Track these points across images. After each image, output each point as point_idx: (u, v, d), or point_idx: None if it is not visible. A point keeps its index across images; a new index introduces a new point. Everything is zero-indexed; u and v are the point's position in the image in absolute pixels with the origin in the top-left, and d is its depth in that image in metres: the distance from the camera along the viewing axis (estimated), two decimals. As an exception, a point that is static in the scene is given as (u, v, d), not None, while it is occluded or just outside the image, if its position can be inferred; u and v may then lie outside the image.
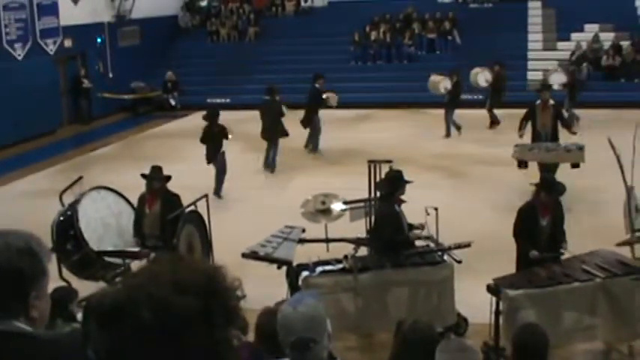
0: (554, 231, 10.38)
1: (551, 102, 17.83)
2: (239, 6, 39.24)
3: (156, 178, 12.35)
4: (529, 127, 17.95)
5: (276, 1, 39.61)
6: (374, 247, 10.82)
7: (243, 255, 10.94)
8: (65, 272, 11.72)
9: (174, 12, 39.14)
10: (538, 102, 17.79)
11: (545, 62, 33.21)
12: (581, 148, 16.82)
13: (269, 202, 17.10)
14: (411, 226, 10.78)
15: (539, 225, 10.34)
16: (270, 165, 20.97)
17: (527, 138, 18.02)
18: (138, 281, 2.10)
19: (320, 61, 33.26)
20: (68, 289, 8.72)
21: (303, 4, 39.54)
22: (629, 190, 11.57)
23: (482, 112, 26.41)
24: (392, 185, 10.64)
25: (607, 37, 33.58)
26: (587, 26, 34.46)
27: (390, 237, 10.31)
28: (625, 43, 32.91)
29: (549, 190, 10.50)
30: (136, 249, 11.81)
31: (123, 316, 2.04)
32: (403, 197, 10.66)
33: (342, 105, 25.22)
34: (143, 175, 12.49)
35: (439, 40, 35.22)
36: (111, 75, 32.73)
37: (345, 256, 10.17)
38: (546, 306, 9.40)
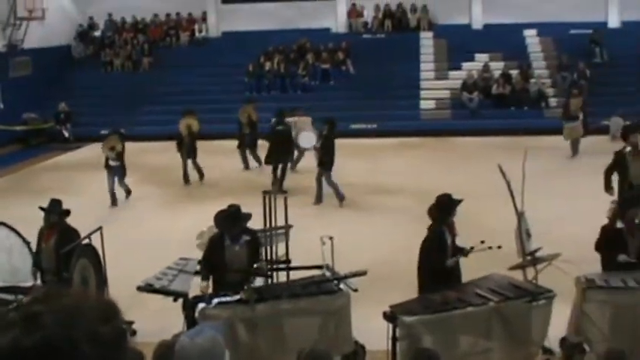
0: None
1: None
2: (133, 36, 38.98)
3: (53, 211, 12.16)
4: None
5: (171, 32, 39.48)
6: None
7: (139, 288, 10.84)
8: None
9: (67, 42, 38.66)
10: (628, 149, 15.26)
11: (438, 91, 33.82)
12: None
13: (164, 235, 16.97)
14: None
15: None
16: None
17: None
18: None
19: (215, 92, 33.36)
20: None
21: (197, 34, 39.47)
22: (520, 215, 11.80)
23: (372, 141, 26.64)
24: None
25: (497, 66, 34.32)
26: (477, 56, 35.21)
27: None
28: (514, 72, 33.68)
29: None
30: (29, 284, 11.59)
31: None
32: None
33: (236, 136, 25.20)
34: (42, 208, 12.30)
35: (333, 71, 35.49)
36: (1, 106, 32.05)
37: (243, 287, 10.14)
38: (442, 331, 9.52)
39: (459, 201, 10.76)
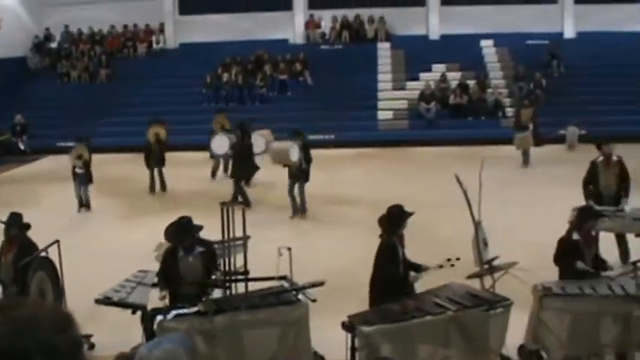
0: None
1: (615, 158, 15.24)
2: (90, 48, 38.79)
3: (13, 225, 12.07)
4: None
5: (128, 43, 39.33)
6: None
7: (97, 301, 10.78)
8: None
9: (23, 53, 38.45)
10: (601, 159, 15.23)
11: (395, 102, 33.97)
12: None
13: (123, 247, 16.86)
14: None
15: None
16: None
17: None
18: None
19: (173, 103, 33.25)
20: None
21: (154, 45, 39.38)
22: (477, 225, 11.88)
23: (330, 152, 26.69)
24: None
25: (454, 77, 34.58)
26: (434, 66, 35.44)
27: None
28: (471, 82, 33.94)
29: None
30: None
31: None
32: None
33: (195, 147, 25.15)
34: (1, 222, 12.21)
35: (291, 82, 35.56)
36: (-44, 118, 31.79)
37: (202, 299, 10.10)
38: (401, 340, 9.54)
39: (410, 213, 10.77)
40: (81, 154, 20.97)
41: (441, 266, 10.71)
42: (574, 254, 10.90)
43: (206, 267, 10.70)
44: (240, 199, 20.07)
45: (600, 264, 11.20)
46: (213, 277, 10.82)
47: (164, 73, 36.49)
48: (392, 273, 10.43)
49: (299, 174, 19.35)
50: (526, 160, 25.74)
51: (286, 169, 19.42)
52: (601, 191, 15.09)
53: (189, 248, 10.68)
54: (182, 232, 10.67)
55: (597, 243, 11.55)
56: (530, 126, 26.04)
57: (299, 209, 19.52)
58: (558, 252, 11.15)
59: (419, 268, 10.83)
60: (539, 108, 29.67)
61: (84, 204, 21.06)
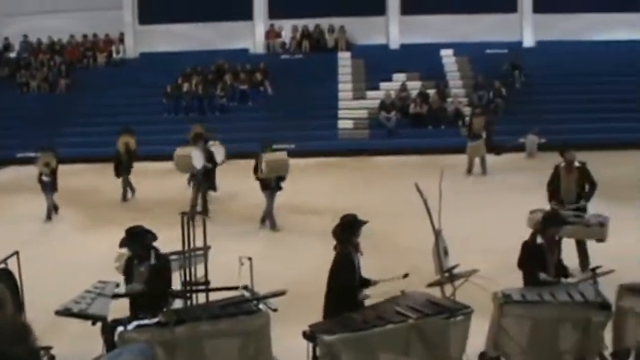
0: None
1: (577, 164, 15.64)
2: (49, 57, 38.55)
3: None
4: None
5: (88, 53, 39.13)
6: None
7: (57, 312, 10.69)
8: None
9: (-19, 63, 38.17)
10: (563, 164, 15.69)
11: (356, 111, 34.06)
12: (602, 224, 14.55)
13: (83, 257, 16.77)
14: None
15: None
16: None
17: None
18: None
19: (133, 113, 33.07)
20: None
21: (114, 55, 39.21)
22: (437, 233, 11.94)
23: (290, 161, 26.60)
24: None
25: (414, 86, 34.72)
26: (395, 75, 35.59)
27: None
28: (431, 91, 34.10)
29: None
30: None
31: None
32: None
33: (155, 157, 25.07)
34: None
35: (251, 91, 35.54)
36: None
37: (162, 310, 10.07)
38: (362, 349, 9.56)
39: (364, 222, 10.80)
40: (48, 161, 21.18)
41: (404, 275, 10.75)
42: (537, 258, 11.02)
43: (152, 279, 10.60)
44: (201, 209, 20.08)
45: (562, 270, 11.32)
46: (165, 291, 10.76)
47: (124, 83, 36.33)
48: (348, 282, 10.45)
49: (267, 185, 19.38)
50: (483, 169, 25.90)
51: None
52: (562, 196, 15.44)
53: (142, 258, 10.63)
54: (132, 240, 10.63)
55: (560, 248, 11.66)
56: (483, 134, 26.21)
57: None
58: (522, 256, 11.26)
59: (368, 283, 10.86)
60: (497, 117, 29.96)
61: (51, 212, 21.22)
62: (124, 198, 23.39)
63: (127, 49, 39.22)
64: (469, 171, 25.88)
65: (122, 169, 23.36)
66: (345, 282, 10.45)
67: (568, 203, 15.24)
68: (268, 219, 19.47)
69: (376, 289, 10.73)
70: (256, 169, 19.43)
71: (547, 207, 15.03)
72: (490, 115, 29.46)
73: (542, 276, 10.89)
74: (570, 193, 15.41)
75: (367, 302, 10.61)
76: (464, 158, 26.26)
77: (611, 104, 32.33)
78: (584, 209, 15.10)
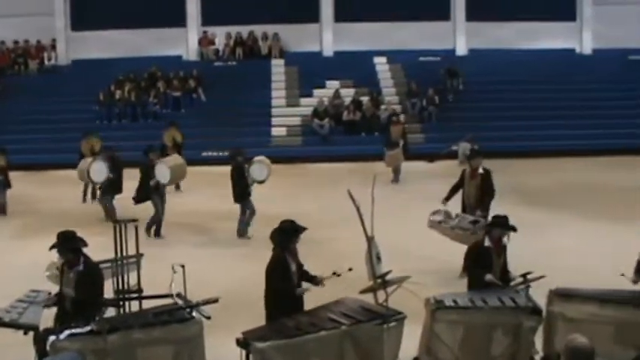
0: None
1: (481, 171, 16.14)
2: (-22, 65, 38.05)
3: None
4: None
5: (19, 59, 38.62)
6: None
7: (-13, 322, 10.55)
8: None
9: None
10: (468, 170, 16.30)
11: (289, 118, 34.11)
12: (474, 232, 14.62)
13: (14, 266, 16.54)
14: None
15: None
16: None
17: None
18: None
19: (65, 121, 32.76)
20: None
21: (46, 62, 38.77)
22: (370, 240, 11.96)
23: (223, 168, 26.58)
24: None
25: (347, 93, 34.86)
26: (328, 82, 35.70)
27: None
28: (365, 99, 34.25)
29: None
30: None
31: None
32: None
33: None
34: None
35: (184, 98, 35.39)
36: None
37: (95, 318, 9.96)
38: (295, 356, 9.55)
39: (303, 228, 10.81)
40: None
41: (337, 274, 10.77)
42: (484, 261, 11.15)
43: (78, 287, 10.43)
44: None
45: (505, 276, 11.44)
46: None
47: (56, 90, 35.93)
48: (282, 286, 10.46)
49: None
50: (397, 177, 26.04)
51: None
52: (464, 199, 16.13)
53: (71, 263, 10.48)
54: (63, 244, 10.49)
55: (505, 253, 11.74)
56: (401, 142, 26.32)
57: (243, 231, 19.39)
58: (469, 257, 11.38)
59: (314, 280, 10.87)
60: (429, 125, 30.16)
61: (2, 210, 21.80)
62: (85, 199, 23.81)
63: (59, 55, 38.77)
64: (396, 179, 25.95)
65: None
66: (278, 287, 10.46)
67: (468, 206, 15.85)
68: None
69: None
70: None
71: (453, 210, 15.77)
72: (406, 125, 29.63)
73: (488, 277, 11.01)
74: (470, 198, 15.97)
75: (306, 296, 10.65)
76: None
77: (543, 112, 32.83)
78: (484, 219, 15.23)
